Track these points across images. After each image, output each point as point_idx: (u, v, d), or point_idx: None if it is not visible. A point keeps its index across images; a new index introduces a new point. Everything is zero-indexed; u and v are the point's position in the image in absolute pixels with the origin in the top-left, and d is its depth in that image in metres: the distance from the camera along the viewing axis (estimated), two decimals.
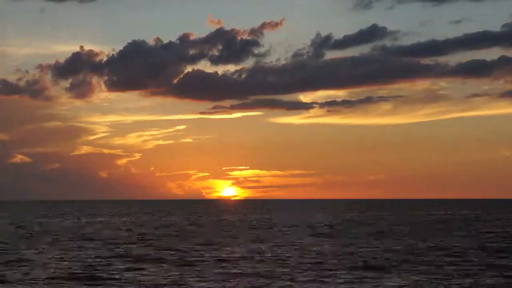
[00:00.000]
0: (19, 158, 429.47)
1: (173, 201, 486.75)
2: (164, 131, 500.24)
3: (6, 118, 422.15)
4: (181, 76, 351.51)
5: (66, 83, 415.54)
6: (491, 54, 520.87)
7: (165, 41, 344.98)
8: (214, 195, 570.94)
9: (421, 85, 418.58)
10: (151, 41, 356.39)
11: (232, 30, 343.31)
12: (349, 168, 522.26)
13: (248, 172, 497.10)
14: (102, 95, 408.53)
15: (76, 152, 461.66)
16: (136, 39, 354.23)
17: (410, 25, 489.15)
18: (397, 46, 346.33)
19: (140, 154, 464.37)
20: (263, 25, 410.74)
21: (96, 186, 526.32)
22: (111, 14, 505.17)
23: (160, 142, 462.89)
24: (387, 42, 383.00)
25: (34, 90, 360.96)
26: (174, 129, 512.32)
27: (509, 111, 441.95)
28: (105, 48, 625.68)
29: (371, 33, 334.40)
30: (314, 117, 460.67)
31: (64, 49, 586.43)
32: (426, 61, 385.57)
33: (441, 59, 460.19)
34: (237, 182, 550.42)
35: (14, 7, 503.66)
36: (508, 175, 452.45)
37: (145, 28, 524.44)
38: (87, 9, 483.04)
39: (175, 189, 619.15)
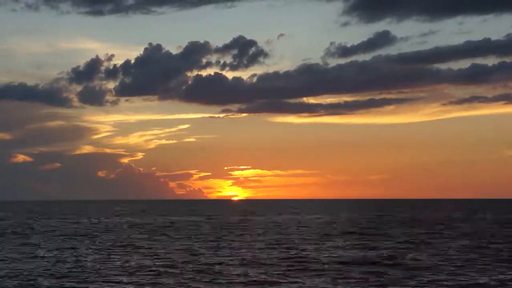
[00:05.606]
0: (20, 157, 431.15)
1: (194, 202, 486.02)
2: (167, 130, 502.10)
3: (8, 117, 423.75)
4: (191, 81, 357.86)
5: (79, 87, 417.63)
6: (493, 59, 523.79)
7: (183, 48, 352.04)
8: (214, 195, 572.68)
9: (424, 87, 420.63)
10: (171, 49, 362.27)
11: (250, 40, 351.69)
12: (350, 168, 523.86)
13: (250, 172, 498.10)
14: (111, 99, 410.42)
15: (78, 152, 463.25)
16: (155, 45, 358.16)
17: (417, 35, 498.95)
18: (402, 53, 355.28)
19: (143, 154, 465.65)
20: (279, 36, 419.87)
21: (97, 186, 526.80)
22: (139, 24, 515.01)
23: (163, 141, 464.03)
24: (393, 51, 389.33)
25: (47, 94, 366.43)
26: (177, 128, 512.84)
27: (509, 110, 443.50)
28: (123, 55, 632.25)
29: (379, 42, 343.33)
30: (315, 116, 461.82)
31: (85, 56, 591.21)
32: (429, 66, 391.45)
33: (444, 65, 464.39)
34: (238, 182, 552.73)
35: (54, 19, 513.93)
36: (508, 175, 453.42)
37: (168, 37, 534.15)
38: (119, 22, 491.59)
39: (177, 189, 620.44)
